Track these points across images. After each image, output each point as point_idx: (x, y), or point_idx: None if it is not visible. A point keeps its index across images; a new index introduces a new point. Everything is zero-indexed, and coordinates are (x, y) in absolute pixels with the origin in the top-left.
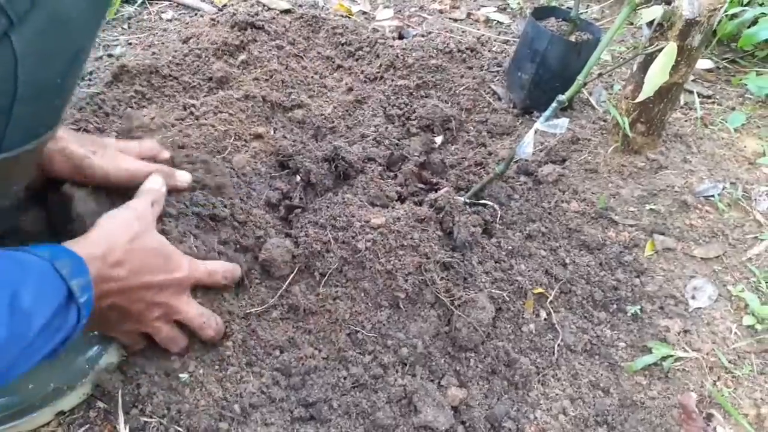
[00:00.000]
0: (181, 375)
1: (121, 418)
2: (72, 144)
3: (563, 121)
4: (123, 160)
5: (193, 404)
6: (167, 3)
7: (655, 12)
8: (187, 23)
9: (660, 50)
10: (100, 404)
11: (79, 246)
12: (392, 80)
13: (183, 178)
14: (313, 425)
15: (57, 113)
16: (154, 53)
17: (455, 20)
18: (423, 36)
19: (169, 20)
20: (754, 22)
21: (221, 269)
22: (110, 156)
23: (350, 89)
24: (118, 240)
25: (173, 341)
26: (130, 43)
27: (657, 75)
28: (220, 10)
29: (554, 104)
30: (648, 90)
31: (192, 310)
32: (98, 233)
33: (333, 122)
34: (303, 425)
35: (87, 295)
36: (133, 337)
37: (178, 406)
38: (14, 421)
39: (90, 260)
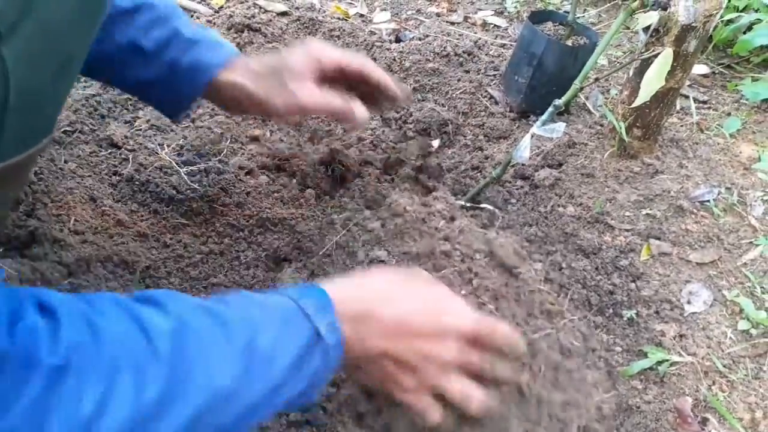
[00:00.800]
0: None
1: None
2: (250, 80)
3: (560, 126)
4: (303, 93)
5: None
6: None
7: (652, 17)
8: None
9: (656, 56)
10: None
11: (338, 284)
12: None
13: (361, 115)
14: None
15: (50, 121)
16: None
17: (452, 24)
18: (420, 39)
19: None
20: (750, 27)
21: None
22: (287, 90)
23: None
24: (377, 281)
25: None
26: None
27: (653, 80)
28: (217, 12)
29: (551, 109)
30: (644, 95)
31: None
32: (359, 276)
33: (329, 125)
34: None
35: (335, 336)
36: (424, 399)
37: None
38: None
39: (341, 299)
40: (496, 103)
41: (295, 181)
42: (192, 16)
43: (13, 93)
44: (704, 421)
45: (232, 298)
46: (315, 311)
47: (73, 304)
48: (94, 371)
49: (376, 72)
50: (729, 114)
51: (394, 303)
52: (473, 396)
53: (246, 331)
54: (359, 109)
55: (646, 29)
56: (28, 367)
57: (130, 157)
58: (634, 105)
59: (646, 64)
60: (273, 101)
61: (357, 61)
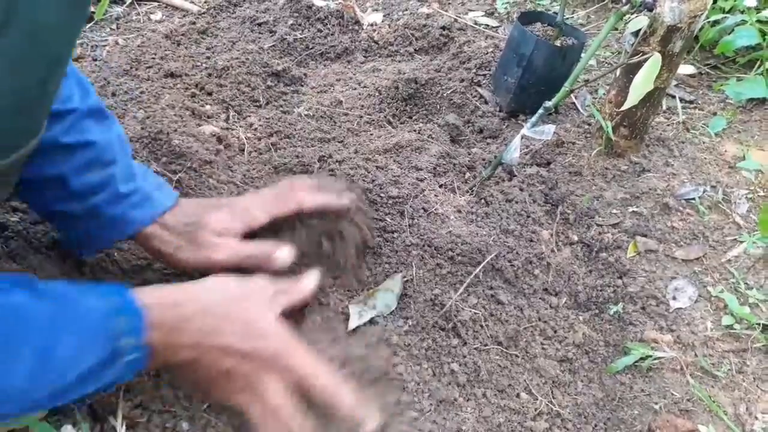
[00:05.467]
0: None
1: (120, 413)
2: (162, 236)
3: (549, 128)
4: (215, 251)
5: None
6: (156, 4)
7: (642, 22)
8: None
9: (645, 60)
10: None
11: (150, 294)
12: None
13: (282, 259)
14: None
15: (38, 123)
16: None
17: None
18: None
19: (159, 21)
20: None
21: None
22: (198, 246)
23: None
24: (201, 295)
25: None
26: (118, 44)
27: (641, 84)
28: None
29: (541, 111)
30: (633, 99)
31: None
32: (186, 286)
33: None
34: None
35: (136, 353)
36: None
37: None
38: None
39: (155, 307)
40: (486, 102)
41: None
42: (185, 15)
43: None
44: (690, 416)
45: (53, 286)
46: (124, 331)
47: None
48: None
49: (314, 203)
50: (715, 113)
51: (209, 317)
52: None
53: (47, 335)
54: (281, 252)
55: (635, 34)
56: None
57: None
58: (622, 108)
59: (633, 64)
60: (179, 256)
61: (291, 207)
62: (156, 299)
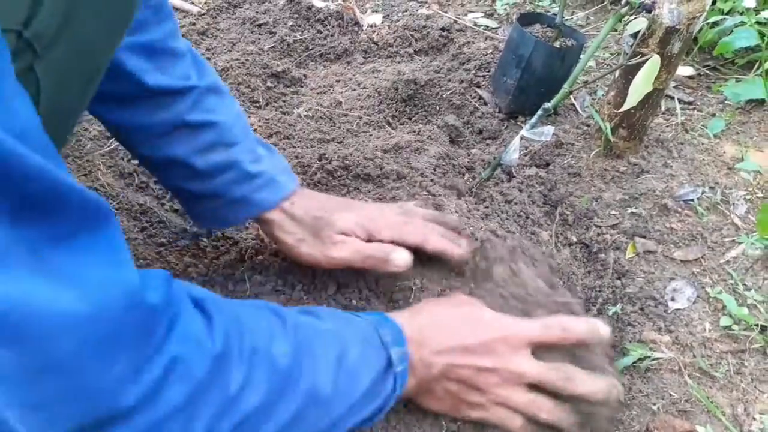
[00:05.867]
0: None
1: None
2: (286, 226)
3: (548, 129)
4: (337, 248)
5: None
6: None
7: (640, 24)
8: None
9: (644, 61)
10: None
11: (401, 315)
12: None
13: (400, 260)
14: None
15: (70, 131)
16: None
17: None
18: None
19: None
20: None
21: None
22: (322, 242)
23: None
24: (439, 310)
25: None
26: None
27: (640, 86)
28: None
29: (540, 112)
30: (632, 101)
31: (535, 366)
32: (422, 305)
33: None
34: None
35: (403, 365)
36: (497, 411)
37: None
38: None
39: (405, 324)
40: (485, 103)
41: None
42: (185, 17)
43: (42, 110)
44: (688, 417)
45: (320, 310)
46: (391, 341)
47: (215, 297)
48: (240, 358)
49: (435, 246)
50: (713, 115)
51: (450, 325)
52: (542, 406)
53: (338, 343)
54: (400, 255)
55: (634, 35)
56: (197, 350)
57: None
58: (621, 110)
59: (632, 66)
60: (300, 248)
61: (416, 241)
62: (400, 317)
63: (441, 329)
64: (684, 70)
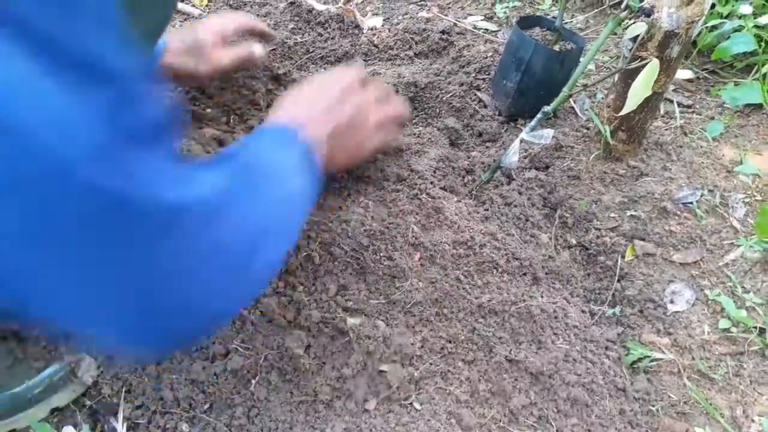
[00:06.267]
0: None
1: (121, 414)
2: (178, 59)
3: (548, 132)
4: (217, 56)
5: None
6: None
7: (640, 27)
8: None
9: (643, 65)
10: (95, 401)
11: (282, 114)
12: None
13: (259, 53)
14: None
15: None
16: None
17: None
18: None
19: None
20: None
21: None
22: (207, 58)
23: None
24: (305, 85)
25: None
26: None
27: (640, 90)
28: (202, 12)
29: (539, 115)
30: (631, 104)
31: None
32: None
33: None
34: None
35: (308, 152)
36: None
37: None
38: (8, 417)
39: (289, 120)
40: (485, 106)
41: None
42: (187, 19)
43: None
44: (687, 419)
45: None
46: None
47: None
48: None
49: (257, 25)
50: (712, 118)
51: (321, 97)
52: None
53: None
54: (257, 48)
55: (633, 39)
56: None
57: None
58: (620, 114)
59: (631, 70)
60: (201, 71)
61: (247, 23)
62: (285, 114)
63: (318, 101)
64: (683, 74)
